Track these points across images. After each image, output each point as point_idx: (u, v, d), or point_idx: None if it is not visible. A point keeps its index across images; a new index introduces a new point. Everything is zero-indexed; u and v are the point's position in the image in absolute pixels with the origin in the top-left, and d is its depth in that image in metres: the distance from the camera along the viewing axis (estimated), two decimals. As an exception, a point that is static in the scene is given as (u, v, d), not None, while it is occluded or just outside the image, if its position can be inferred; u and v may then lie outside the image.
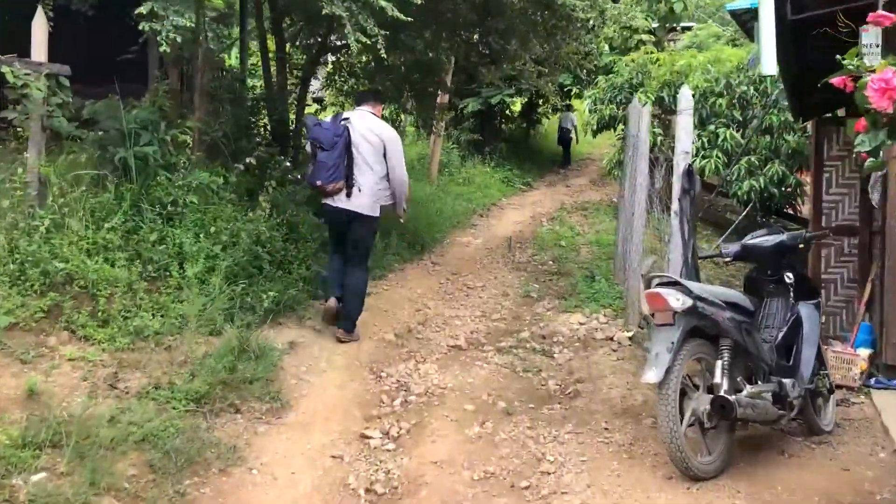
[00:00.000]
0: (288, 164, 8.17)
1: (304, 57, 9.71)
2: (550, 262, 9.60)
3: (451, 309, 7.18)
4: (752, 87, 12.45)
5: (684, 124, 5.35)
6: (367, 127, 5.71)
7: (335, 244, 6.09)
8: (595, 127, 13.89)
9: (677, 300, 3.89)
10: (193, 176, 6.52)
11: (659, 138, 11.97)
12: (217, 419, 4.24)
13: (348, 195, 5.62)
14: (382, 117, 6.30)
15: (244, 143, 8.14)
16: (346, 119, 5.74)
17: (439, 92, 12.10)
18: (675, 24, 21.22)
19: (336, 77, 10.98)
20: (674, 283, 4.06)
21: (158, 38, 5.24)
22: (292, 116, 9.51)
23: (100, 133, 6.27)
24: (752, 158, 11.77)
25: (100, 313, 4.89)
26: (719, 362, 4.01)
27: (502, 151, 18.22)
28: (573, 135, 20.57)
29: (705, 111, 12.89)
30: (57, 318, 4.65)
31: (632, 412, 4.79)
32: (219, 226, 6.35)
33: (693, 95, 12.91)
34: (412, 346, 6.01)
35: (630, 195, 7.97)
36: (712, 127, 12.51)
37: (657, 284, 4.10)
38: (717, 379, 3.97)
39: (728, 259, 4.93)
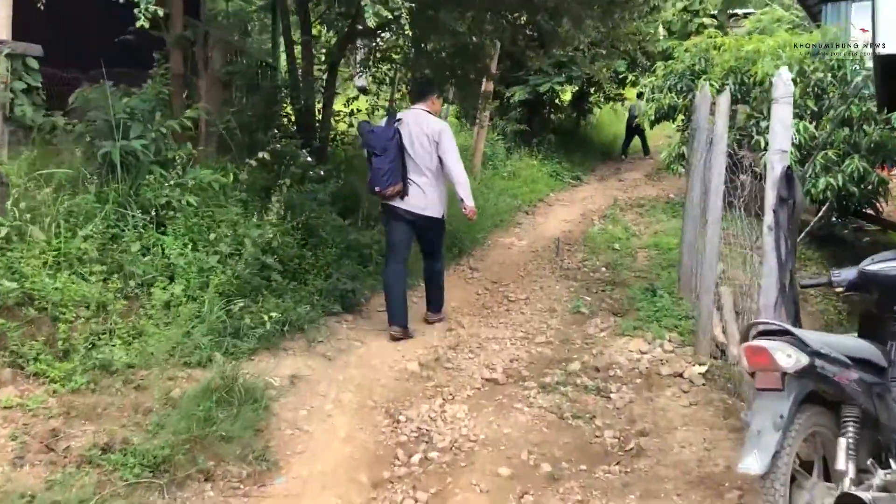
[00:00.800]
0: (309, 158, 7.20)
1: (333, 40, 8.75)
2: (603, 269, 8.49)
3: (488, 328, 6.15)
4: (828, 74, 11.11)
5: (781, 115, 4.19)
6: (419, 126, 5.53)
7: (395, 249, 5.79)
8: (653, 117, 12.65)
9: (789, 357, 2.81)
10: (193, 174, 5.60)
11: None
12: (179, 492, 3.28)
13: (407, 196, 5.51)
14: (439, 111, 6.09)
15: (261, 135, 7.20)
16: (399, 120, 5.57)
17: (483, 79, 11.04)
18: (737, 9, 19.80)
19: (370, 64, 9.99)
20: (782, 332, 2.97)
21: (136, 11, 4.29)
22: (319, 106, 8.57)
23: (86, 124, 5.41)
24: (830, 153, 10.46)
25: (59, 342, 4.00)
26: (843, 440, 2.91)
27: (551, 143, 17.04)
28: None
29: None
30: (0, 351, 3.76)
31: (712, 482, 3.71)
32: (219, 232, 5.42)
33: (761, 83, 11.66)
34: (440, 378, 4.99)
35: (699, 197, 6.83)
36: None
37: (759, 333, 3.02)
38: (841, 464, 2.87)
39: (840, 289, 3.79)
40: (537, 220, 11.76)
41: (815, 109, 11.17)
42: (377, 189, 5.51)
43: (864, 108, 11.06)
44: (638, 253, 9.26)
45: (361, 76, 12.79)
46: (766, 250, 3.96)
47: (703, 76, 12.13)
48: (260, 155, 6.38)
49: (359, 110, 9.36)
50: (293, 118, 8.34)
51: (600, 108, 20.65)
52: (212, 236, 5.40)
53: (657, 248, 9.34)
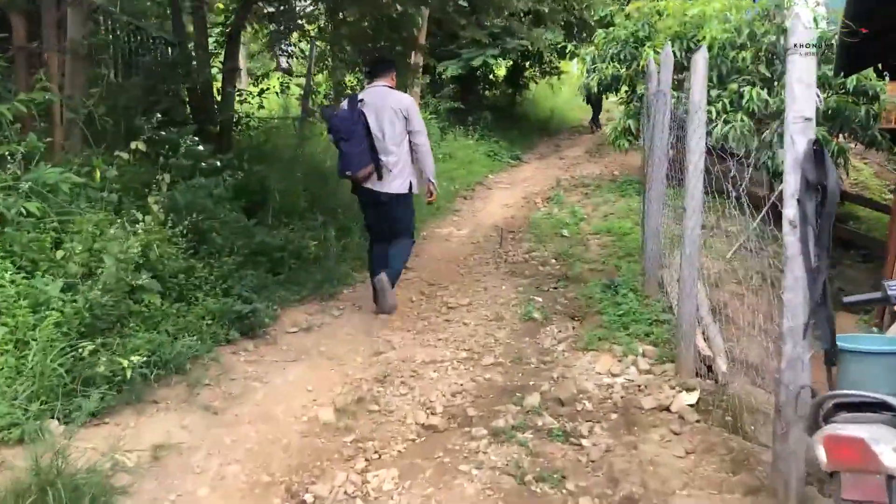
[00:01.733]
0: (202, 147, 5.89)
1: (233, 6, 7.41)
2: (553, 261, 7.42)
3: (424, 347, 4.98)
4: (781, 38, 10.24)
5: (802, 70, 3.05)
6: (386, 102, 5.28)
7: (376, 233, 5.69)
8: (596, 90, 11.60)
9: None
10: (35, 174, 4.28)
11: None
12: None
13: (380, 178, 5.30)
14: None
15: (141, 121, 5.86)
16: (361, 101, 5.30)
17: (412, 52, 9.81)
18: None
19: (283, 39, 8.66)
20: (877, 407, 1.89)
21: None
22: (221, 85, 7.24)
23: None
24: (787, 122, 9.60)
25: None
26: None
27: (487, 121, 15.89)
28: None
29: (725, 66, 10.65)
30: None
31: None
32: (68, 248, 4.12)
33: (710, 49, 10.69)
34: (362, 428, 3.79)
35: (662, 177, 5.79)
36: (734, 85, 10.30)
37: (838, 408, 1.93)
38: None
39: (898, 306, 2.73)
40: (476, 206, 10.63)
41: (769, 75, 10.28)
42: (348, 173, 5.27)
43: (818, 73, 10.24)
44: (589, 240, 8.21)
45: (290, 56, 11.47)
46: (790, 254, 2.88)
47: (647, 43, 11.13)
48: (133, 146, 5.08)
49: (266, 89, 8.07)
50: (187, 100, 6.98)
51: (536, 83, 19.59)
52: (59, 254, 4.10)
53: (610, 233, 8.31)
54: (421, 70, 10.12)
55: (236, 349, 4.61)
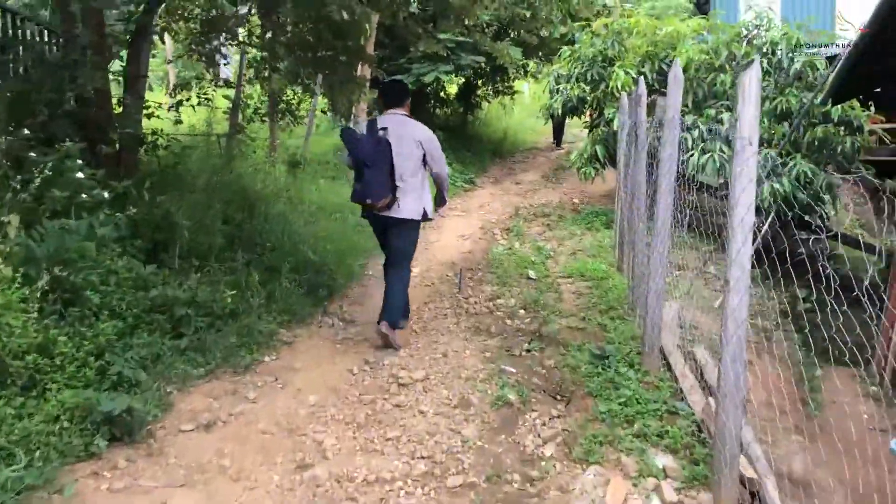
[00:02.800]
0: (80, 174, 4.50)
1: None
2: (521, 312, 6.19)
3: (367, 454, 3.64)
4: (763, 60, 9.30)
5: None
6: (410, 135, 5.16)
7: (386, 251, 5.52)
8: (560, 111, 10.48)
9: None
10: None
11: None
12: None
13: (394, 206, 5.12)
14: None
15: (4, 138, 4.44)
16: (384, 129, 5.10)
17: (358, 63, 8.52)
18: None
19: (205, 41, 7.27)
20: None
21: None
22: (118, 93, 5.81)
23: None
24: (772, 152, 8.61)
25: None
26: None
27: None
28: None
29: (702, 91, 9.66)
30: None
31: None
32: None
33: (684, 70, 9.70)
34: None
35: (664, 216, 4.63)
36: (712, 111, 9.31)
37: None
38: None
39: None
40: (429, 238, 9.34)
41: (751, 101, 9.28)
42: (369, 201, 5.07)
43: (803, 100, 9.33)
44: (560, 284, 7.00)
45: (227, 63, 10.06)
46: None
47: (617, 63, 10.07)
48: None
49: (184, 102, 6.68)
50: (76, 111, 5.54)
51: (489, 102, 18.48)
52: None
53: (584, 277, 7.12)
54: (369, 84, 8.84)
55: (100, 467, 3.21)
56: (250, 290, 5.57)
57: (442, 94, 17.31)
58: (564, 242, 9.03)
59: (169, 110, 6.35)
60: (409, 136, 5.16)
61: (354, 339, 5.43)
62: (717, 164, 8.77)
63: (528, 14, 9.80)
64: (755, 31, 9.59)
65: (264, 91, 7.99)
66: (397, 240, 5.31)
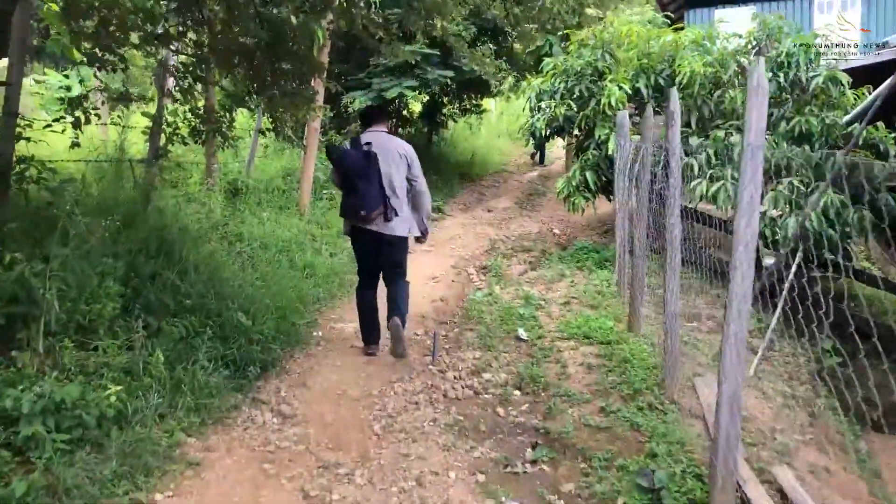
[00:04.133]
0: None
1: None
2: (517, 394, 4.72)
3: None
4: (780, 74, 8.03)
5: None
6: (393, 149, 5.22)
7: (368, 269, 5.43)
8: (545, 132, 9.08)
9: None
10: None
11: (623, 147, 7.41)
12: None
13: (387, 219, 5.13)
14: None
15: None
16: (369, 144, 5.16)
17: (312, 76, 7.03)
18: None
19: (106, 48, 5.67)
20: None
21: None
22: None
23: None
24: (794, 181, 7.30)
25: None
26: None
27: (401, 164, 13.24)
28: None
29: (707, 109, 8.36)
30: None
31: None
32: None
33: (686, 86, 8.42)
34: None
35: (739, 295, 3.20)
36: (720, 133, 8.00)
37: None
38: None
39: None
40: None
41: (767, 121, 8.00)
42: (363, 213, 5.04)
43: (826, 120, 8.08)
44: (561, 350, 5.54)
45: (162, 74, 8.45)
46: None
47: (608, 77, 8.72)
48: None
49: (80, 115, 5.10)
50: None
51: (455, 121, 17.06)
52: None
53: (588, 339, 5.68)
54: (322, 99, 7.27)
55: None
56: (150, 378, 4.01)
57: (405, 112, 15.86)
58: (554, 286, 7.59)
59: (45, 129, 4.74)
60: (393, 150, 5.20)
61: (293, 447, 3.88)
62: (731, 194, 7.45)
63: (517, 12, 8.49)
64: (765, 42, 8.30)
65: (190, 106, 6.42)
66: (390, 258, 5.30)
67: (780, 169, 7.63)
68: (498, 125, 21.93)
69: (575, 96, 8.74)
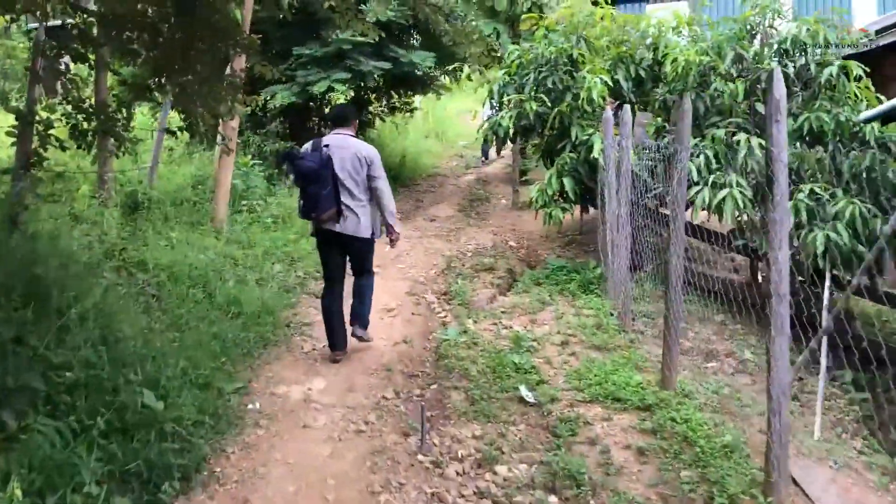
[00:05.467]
0: None
1: None
2: (553, 502, 3.32)
3: None
4: (788, 62, 6.93)
5: None
6: (351, 152, 5.20)
7: (332, 274, 5.43)
8: (510, 132, 7.71)
9: None
10: None
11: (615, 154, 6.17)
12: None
13: (341, 219, 5.17)
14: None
15: None
16: (327, 146, 5.18)
17: (230, 56, 5.44)
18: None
19: None
20: None
21: None
22: None
23: None
24: (816, 188, 6.19)
25: None
26: None
27: (330, 168, 11.66)
28: None
29: (702, 104, 7.21)
30: None
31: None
32: None
33: (675, 79, 7.31)
34: None
35: None
36: (720, 132, 6.84)
37: None
38: None
39: None
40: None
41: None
42: (314, 214, 5.13)
43: (840, 117, 7.05)
44: (590, 419, 4.17)
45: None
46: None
47: (587, 67, 7.45)
48: None
49: None
50: None
51: (383, 120, 15.51)
52: None
53: (621, 403, 4.33)
54: (241, 87, 5.59)
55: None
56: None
57: (327, 109, 14.20)
58: (539, 318, 6.24)
59: None
60: (352, 154, 5.18)
61: None
62: (740, 204, 6.29)
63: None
64: (769, 27, 7.20)
65: (70, 97, 4.74)
66: (354, 257, 5.41)
67: (802, 174, 6.57)
68: (425, 125, 20.49)
69: (547, 89, 7.42)
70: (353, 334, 5.30)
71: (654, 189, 7.00)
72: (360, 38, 10.10)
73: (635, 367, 4.85)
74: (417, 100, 20.63)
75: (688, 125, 4.72)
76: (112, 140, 4.91)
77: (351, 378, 4.90)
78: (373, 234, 5.34)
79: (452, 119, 22.31)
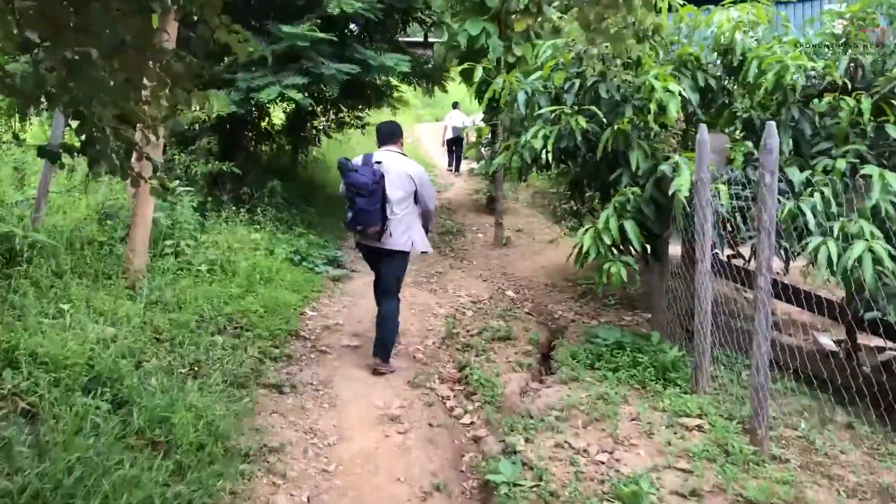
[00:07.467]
0: None
1: None
2: None
3: None
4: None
5: None
6: (403, 170, 5.23)
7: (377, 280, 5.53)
8: (549, 155, 5.65)
9: None
10: None
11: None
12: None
13: (384, 236, 5.22)
14: None
15: None
16: (379, 163, 5.22)
17: (164, 22, 3.20)
18: None
19: None
20: None
21: None
22: None
23: None
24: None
25: None
26: None
27: (275, 195, 9.32)
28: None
29: (807, 124, 5.38)
30: None
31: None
32: None
33: (774, 91, 5.45)
34: None
35: None
36: (840, 163, 5.04)
37: None
38: None
39: None
40: (318, 426, 4.13)
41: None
42: (360, 228, 5.19)
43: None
44: None
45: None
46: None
47: (652, 71, 5.53)
48: None
49: None
50: None
51: (329, 136, 13.24)
52: None
53: None
54: (193, 64, 3.46)
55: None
56: None
57: (264, 124, 11.85)
58: (621, 432, 4.20)
59: None
60: (402, 171, 5.19)
61: None
62: (889, 265, 4.44)
63: None
64: (883, 27, 5.46)
65: None
66: (387, 268, 5.35)
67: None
68: (370, 142, 18.32)
69: (602, 99, 5.45)
70: (375, 370, 5.24)
71: (747, 236, 5.18)
72: (319, 34, 7.92)
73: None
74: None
75: (775, 150, 2.84)
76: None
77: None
78: (412, 245, 5.28)
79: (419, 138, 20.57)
